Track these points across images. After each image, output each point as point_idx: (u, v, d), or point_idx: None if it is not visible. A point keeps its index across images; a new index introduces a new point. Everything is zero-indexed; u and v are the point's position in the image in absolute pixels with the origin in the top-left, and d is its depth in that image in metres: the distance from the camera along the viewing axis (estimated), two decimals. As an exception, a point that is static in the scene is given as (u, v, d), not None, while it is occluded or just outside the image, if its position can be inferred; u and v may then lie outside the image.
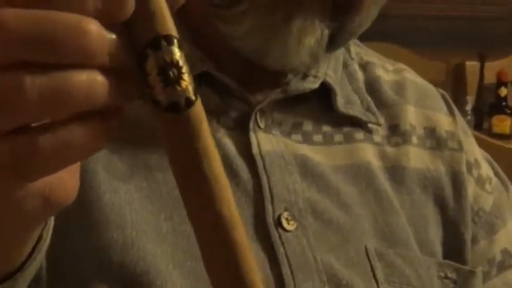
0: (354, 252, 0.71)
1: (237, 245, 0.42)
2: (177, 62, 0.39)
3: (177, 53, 0.39)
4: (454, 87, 2.98)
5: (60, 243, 0.61)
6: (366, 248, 0.71)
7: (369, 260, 0.71)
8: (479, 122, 2.76)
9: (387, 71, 0.84)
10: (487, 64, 2.92)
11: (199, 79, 0.70)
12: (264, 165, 0.70)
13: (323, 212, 0.71)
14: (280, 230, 0.68)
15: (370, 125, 0.78)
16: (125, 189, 0.66)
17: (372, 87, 0.81)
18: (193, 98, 0.40)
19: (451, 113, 0.84)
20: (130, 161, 0.68)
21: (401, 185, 0.77)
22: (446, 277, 0.76)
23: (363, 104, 0.78)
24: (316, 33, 0.68)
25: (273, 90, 0.74)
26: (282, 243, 0.68)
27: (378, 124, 0.78)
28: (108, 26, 0.38)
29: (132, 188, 0.67)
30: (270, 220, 0.68)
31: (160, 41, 0.39)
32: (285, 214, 0.69)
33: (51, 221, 0.50)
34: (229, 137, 0.71)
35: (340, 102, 0.76)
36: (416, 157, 0.79)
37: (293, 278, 0.67)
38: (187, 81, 0.39)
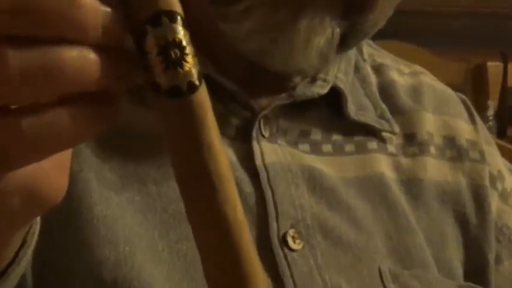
0: (367, 273, 0.69)
1: (242, 247, 0.41)
2: (180, 42, 0.37)
3: (180, 32, 0.37)
4: (474, 90, 2.95)
5: (49, 258, 0.61)
6: (379, 269, 0.70)
7: (383, 282, 0.69)
8: (502, 129, 2.73)
9: (402, 74, 0.83)
10: (511, 65, 2.88)
11: None
12: (268, 178, 0.68)
13: (332, 230, 0.69)
14: (286, 250, 0.67)
15: (384, 134, 0.76)
16: (116, 201, 0.65)
17: (386, 92, 0.80)
18: (196, 82, 0.37)
19: (472, 120, 0.83)
20: (120, 172, 0.66)
21: (417, 199, 0.75)
22: None
23: (376, 111, 0.77)
24: (326, 32, 0.66)
25: (278, 96, 0.72)
26: (288, 263, 0.66)
27: (393, 133, 0.77)
28: None
29: (124, 200, 0.65)
30: (274, 238, 0.67)
31: (161, 17, 0.37)
32: (291, 232, 0.67)
33: (37, 226, 0.48)
34: (230, 147, 0.69)
35: (352, 109, 0.75)
36: (435, 169, 0.77)
37: None
38: (190, 64, 0.37)
